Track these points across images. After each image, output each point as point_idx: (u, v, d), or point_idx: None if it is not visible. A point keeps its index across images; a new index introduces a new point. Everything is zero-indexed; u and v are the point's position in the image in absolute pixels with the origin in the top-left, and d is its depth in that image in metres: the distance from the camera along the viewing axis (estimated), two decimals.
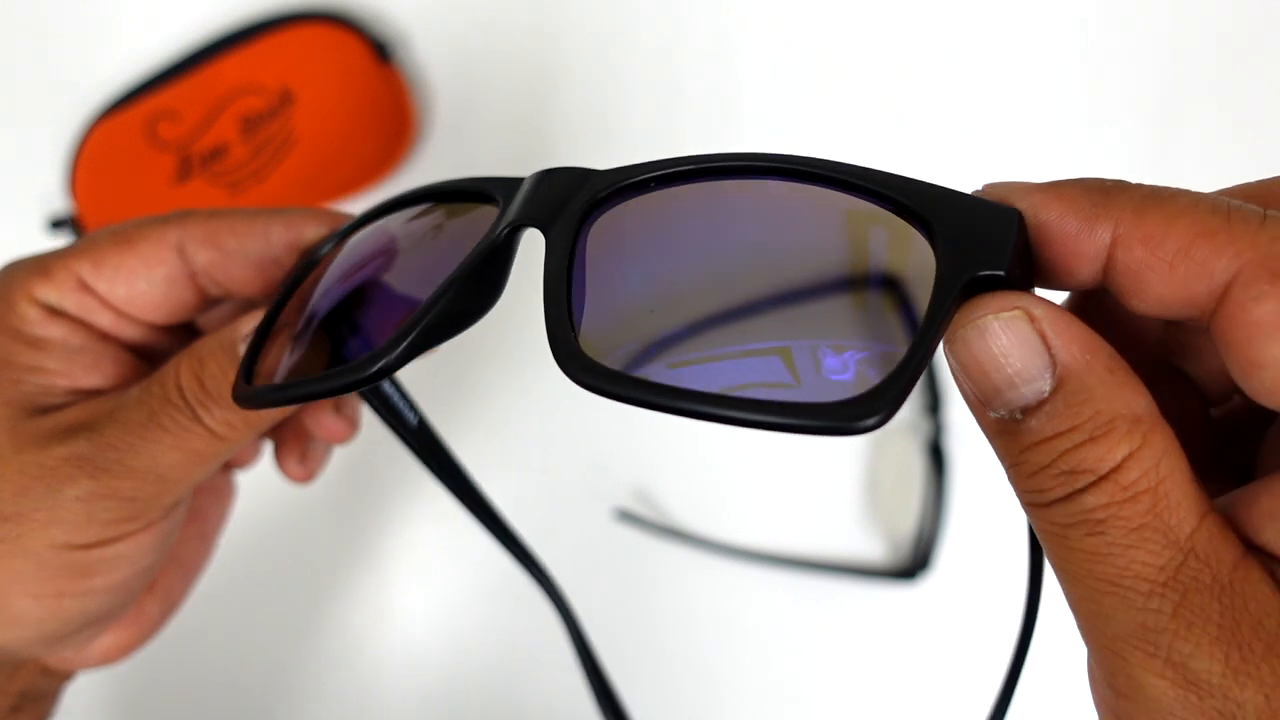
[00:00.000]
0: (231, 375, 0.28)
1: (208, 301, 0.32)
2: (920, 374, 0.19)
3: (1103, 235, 0.19)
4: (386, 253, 0.28)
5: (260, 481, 0.53)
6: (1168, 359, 0.25)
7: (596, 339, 0.21)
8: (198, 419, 0.29)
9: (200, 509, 0.36)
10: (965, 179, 0.24)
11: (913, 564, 0.49)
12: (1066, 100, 0.52)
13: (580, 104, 0.54)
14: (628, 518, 0.51)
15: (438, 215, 0.27)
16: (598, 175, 0.23)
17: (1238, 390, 0.19)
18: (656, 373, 0.21)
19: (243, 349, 0.28)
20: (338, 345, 0.27)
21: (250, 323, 0.29)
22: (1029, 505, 0.20)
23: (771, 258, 0.22)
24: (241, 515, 0.53)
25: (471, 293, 0.24)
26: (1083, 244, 0.20)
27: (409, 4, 0.55)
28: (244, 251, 0.30)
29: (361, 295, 0.28)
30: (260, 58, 0.54)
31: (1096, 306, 0.23)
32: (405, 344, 0.23)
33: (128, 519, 0.29)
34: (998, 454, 0.20)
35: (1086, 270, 0.20)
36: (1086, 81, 0.52)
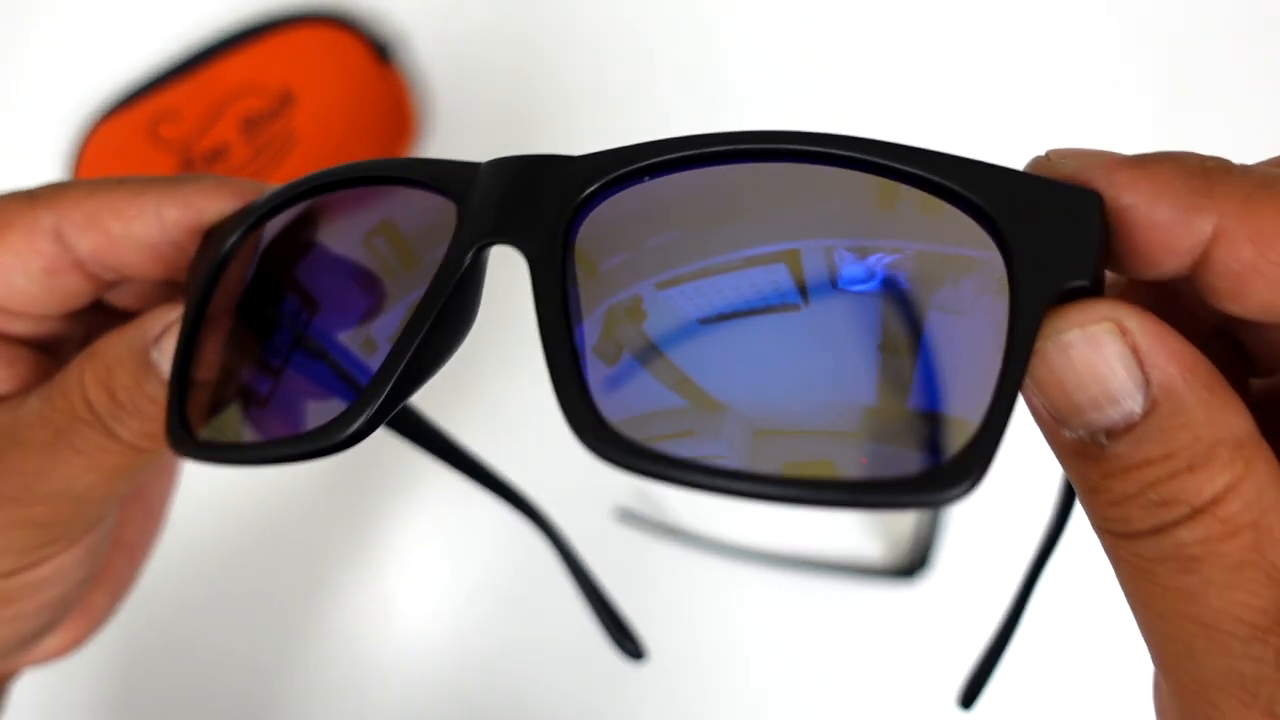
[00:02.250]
0: (145, 384, 0.25)
1: (105, 284, 0.28)
2: (1008, 424, 0.16)
3: (1202, 228, 0.17)
4: (323, 251, 0.24)
5: (256, 477, 0.53)
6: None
7: (606, 379, 0.18)
8: (113, 435, 0.25)
9: (141, 487, 0.33)
10: (985, 148, 0.20)
11: (912, 563, 0.49)
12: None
13: (583, 104, 0.54)
14: (629, 517, 0.51)
15: (382, 201, 0.23)
16: (575, 165, 0.19)
17: None
18: (689, 445, 0.18)
19: (155, 356, 0.25)
20: (286, 378, 0.24)
21: (158, 323, 0.25)
22: (1107, 534, 0.18)
23: (799, 277, 0.19)
24: (238, 512, 0.53)
25: (440, 331, 0.20)
26: (1177, 236, 0.17)
27: (409, 5, 0.55)
28: (133, 235, 0.26)
29: (303, 308, 0.24)
30: (261, 58, 0.54)
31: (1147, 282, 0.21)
32: (372, 411, 0.20)
33: (46, 544, 0.26)
34: (1071, 477, 0.18)
35: (1174, 265, 0.17)
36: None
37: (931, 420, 0.17)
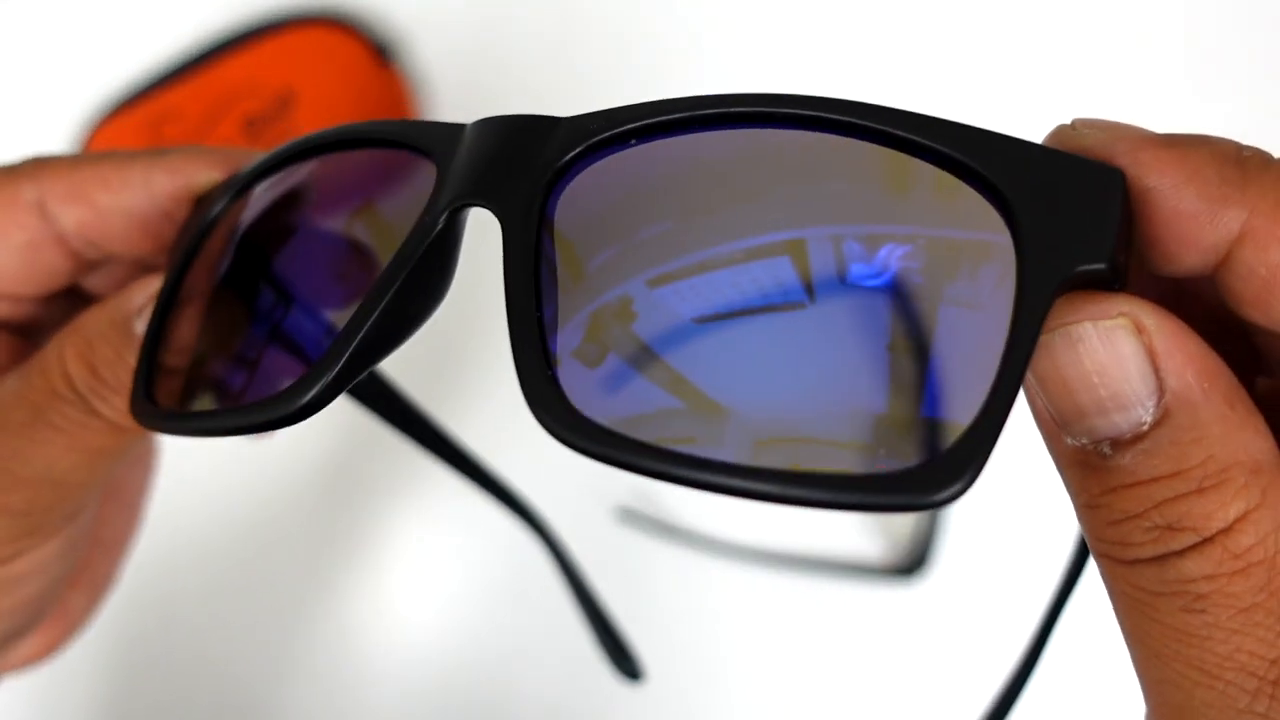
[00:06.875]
0: (127, 357, 0.23)
1: (87, 265, 0.27)
2: (1005, 419, 0.14)
3: (1230, 224, 0.15)
4: (303, 217, 0.23)
5: (255, 477, 0.53)
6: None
7: (578, 361, 0.17)
8: (94, 412, 0.23)
9: (118, 482, 0.31)
10: (999, 115, 0.19)
11: (911, 562, 0.49)
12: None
13: (584, 105, 0.54)
14: (629, 516, 0.51)
15: (365, 168, 0.22)
16: (563, 127, 0.18)
17: None
18: (656, 424, 0.16)
19: (139, 326, 0.23)
20: (263, 349, 0.22)
21: (143, 292, 0.24)
22: (1105, 558, 0.16)
23: (790, 246, 0.17)
24: (235, 515, 0.53)
25: (411, 295, 0.19)
26: (1201, 230, 0.15)
27: (410, 6, 0.55)
28: (121, 207, 0.25)
29: (279, 274, 0.23)
30: (263, 59, 0.54)
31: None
32: (328, 380, 0.18)
33: (23, 535, 0.24)
34: (1069, 488, 0.16)
35: (1194, 262, 0.16)
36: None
37: (935, 422, 0.16)
